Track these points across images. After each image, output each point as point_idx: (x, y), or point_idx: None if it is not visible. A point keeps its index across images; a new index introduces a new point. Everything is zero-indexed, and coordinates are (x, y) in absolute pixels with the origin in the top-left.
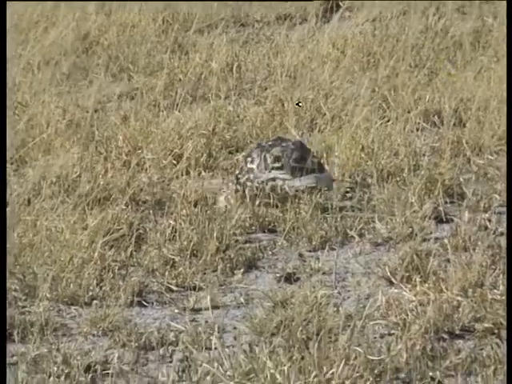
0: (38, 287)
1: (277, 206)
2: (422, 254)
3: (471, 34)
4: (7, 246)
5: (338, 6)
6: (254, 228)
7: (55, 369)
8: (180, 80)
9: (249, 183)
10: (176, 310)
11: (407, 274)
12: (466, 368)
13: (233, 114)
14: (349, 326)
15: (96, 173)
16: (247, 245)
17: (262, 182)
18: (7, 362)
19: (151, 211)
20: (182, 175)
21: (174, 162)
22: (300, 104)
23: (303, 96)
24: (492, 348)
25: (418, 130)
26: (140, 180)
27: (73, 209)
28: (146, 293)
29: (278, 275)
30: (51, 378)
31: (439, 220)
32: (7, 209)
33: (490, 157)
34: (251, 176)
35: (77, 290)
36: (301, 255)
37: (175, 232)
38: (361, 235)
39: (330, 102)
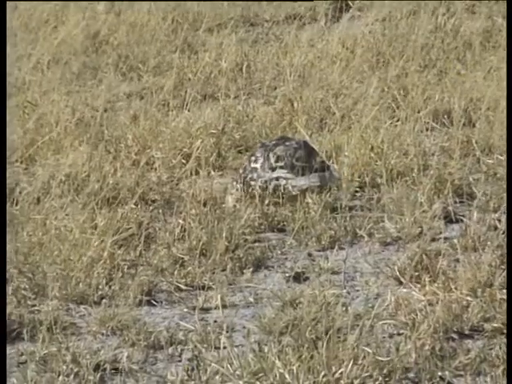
0: (48, 286)
1: (284, 205)
2: (432, 253)
3: (481, 34)
4: (18, 244)
5: (348, 6)
6: (263, 227)
7: (64, 368)
8: (189, 79)
9: (252, 182)
10: (185, 310)
11: (416, 274)
12: (475, 368)
13: (242, 114)
14: (358, 325)
15: (105, 172)
16: (256, 244)
17: (266, 181)
18: (17, 360)
19: (160, 210)
20: (192, 175)
21: (184, 161)
22: None
23: (313, 96)
24: (501, 348)
25: (427, 129)
26: (149, 179)
27: (82, 208)
28: (155, 292)
29: (287, 274)
30: (60, 377)
31: (448, 220)
32: (16, 207)
33: (499, 156)
34: (254, 175)
35: (86, 289)
36: (310, 255)
37: (184, 231)
38: (370, 235)
39: (340, 101)
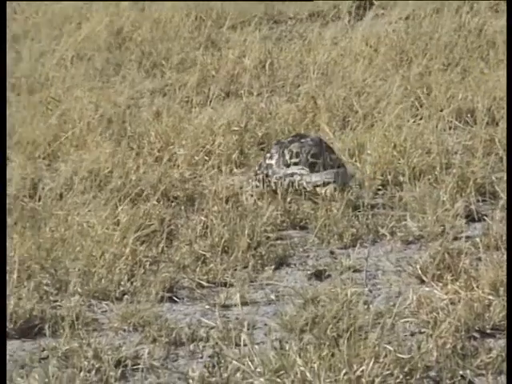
0: (70, 282)
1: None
2: (454, 252)
3: (504, 33)
4: (40, 240)
5: (372, 4)
6: (285, 225)
7: (86, 363)
8: (213, 76)
9: (267, 179)
10: (207, 306)
11: (438, 273)
12: (497, 367)
13: (265, 111)
14: (379, 323)
15: (128, 168)
16: (278, 242)
17: (280, 177)
18: (39, 356)
19: (182, 207)
20: (214, 171)
21: (206, 158)
22: None
23: (335, 93)
24: None
25: (450, 128)
26: (172, 176)
27: (104, 204)
28: (177, 288)
29: (308, 272)
30: (82, 373)
31: (471, 219)
32: (39, 203)
33: None
34: (270, 172)
35: (108, 285)
36: (332, 252)
37: (206, 228)
38: (392, 233)
39: (363, 99)
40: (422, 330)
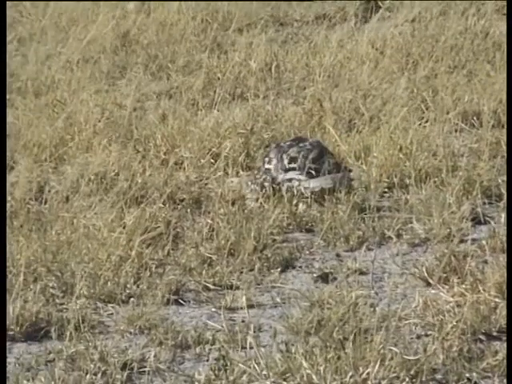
0: (76, 285)
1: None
2: (460, 255)
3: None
4: (46, 243)
5: (378, 7)
6: (291, 228)
7: (92, 366)
8: (219, 79)
9: (266, 184)
10: (213, 309)
11: (444, 275)
12: (503, 370)
13: (271, 114)
14: (385, 326)
15: (134, 171)
16: (284, 244)
17: (279, 182)
18: (45, 359)
19: (189, 210)
20: (220, 174)
21: (212, 160)
22: None
23: (342, 96)
24: None
25: (456, 131)
26: (178, 179)
27: (111, 207)
28: (183, 291)
29: (314, 275)
30: (88, 376)
31: (477, 221)
32: (45, 206)
33: None
34: (268, 177)
35: (114, 287)
36: (338, 255)
37: (212, 231)
38: (398, 236)
39: (369, 102)
40: (428, 333)
